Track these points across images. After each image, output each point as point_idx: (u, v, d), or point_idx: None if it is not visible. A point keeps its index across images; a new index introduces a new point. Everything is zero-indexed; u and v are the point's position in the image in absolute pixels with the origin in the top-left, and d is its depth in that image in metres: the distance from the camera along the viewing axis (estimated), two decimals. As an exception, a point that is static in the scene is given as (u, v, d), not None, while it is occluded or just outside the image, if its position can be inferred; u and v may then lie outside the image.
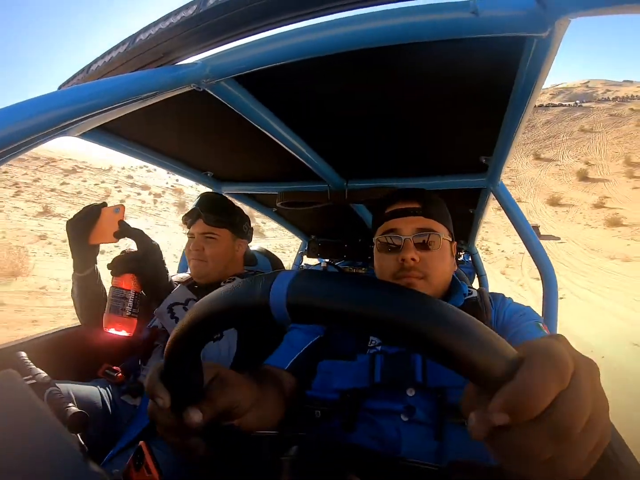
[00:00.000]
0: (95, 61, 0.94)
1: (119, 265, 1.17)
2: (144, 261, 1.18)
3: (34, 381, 0.82)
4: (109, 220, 1.17)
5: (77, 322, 1.62)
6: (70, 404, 0.71)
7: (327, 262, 3.39)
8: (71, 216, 1.23)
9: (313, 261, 3.68)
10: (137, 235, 1.17)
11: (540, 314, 1.39)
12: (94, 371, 1.40)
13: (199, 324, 0.46)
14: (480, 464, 0.53)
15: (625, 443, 0.88)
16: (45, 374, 0.86)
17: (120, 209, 1.16)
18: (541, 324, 0.96)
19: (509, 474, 0.38)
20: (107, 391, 1.35)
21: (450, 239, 1.12)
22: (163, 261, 1.26)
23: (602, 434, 0.36)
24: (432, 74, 1.03)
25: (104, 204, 1.22)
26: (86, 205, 1.22)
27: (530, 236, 1.80)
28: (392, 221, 1.08)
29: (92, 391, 1.29)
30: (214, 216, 1.52)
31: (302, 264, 3.58)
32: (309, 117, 1.35)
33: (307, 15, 0.76)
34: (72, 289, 1.37)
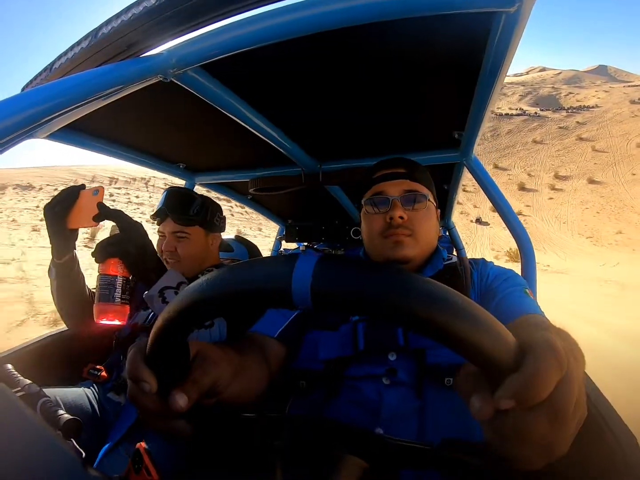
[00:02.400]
0: (58, 58, 0.90)
1: (101, 251, 1.09)
2: (126, 243, 1.10)
3: (23, 392, 0.80)
4: (87, 204, 1.09)
5: (60, 328, 1.60)
6: (62, 412, 0.71)
7: (305, 245, 3.40)
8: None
9: (292, 246, 3.69)
10: (117, 216, 1.09)
11: None
12: (80, 373, 1.38)
13: (203, 304, 0.44)
14: (468, 442, 0.55)
15: (611, 406, 0.92)
16: (34, 384, 0.85)
17: (99, 190, 1.08)
18: (527, 290, 0.99)
19: (497, 452, 0.42)
20: (92, 392, 1.34)
21: (435, 205, 1.15)
22: (149, 241, 1.17)
23: (583, 410, 0.42)
24: (401, 52, 1.02)
25: (83, 186, 1.13)
26: (64, 188, 1.14)
27: (505, 208, 1.82)
28: (379, 185, 1.10)
29: (78, 395, 1.27)
30: (182, 214, 1.48)
31: (281, 249, 3.59)
32: (279, 101, 1.33)
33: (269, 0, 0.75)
34: (50, 281, 1.31)
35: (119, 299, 1.09)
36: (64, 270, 1.26)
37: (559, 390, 0.38)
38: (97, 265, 1.11)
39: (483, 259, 1.17)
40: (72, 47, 0.87)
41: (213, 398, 0.59)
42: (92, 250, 1.09)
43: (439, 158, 1.83)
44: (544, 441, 0.39)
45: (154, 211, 1.51)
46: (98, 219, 1.06)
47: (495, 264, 1.14)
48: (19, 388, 0.82)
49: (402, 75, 1.15)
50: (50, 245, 1.20)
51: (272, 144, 1.58)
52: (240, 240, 2.16)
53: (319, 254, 0.42)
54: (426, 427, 0.82)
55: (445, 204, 2.89)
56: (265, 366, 0.84)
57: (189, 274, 1.48)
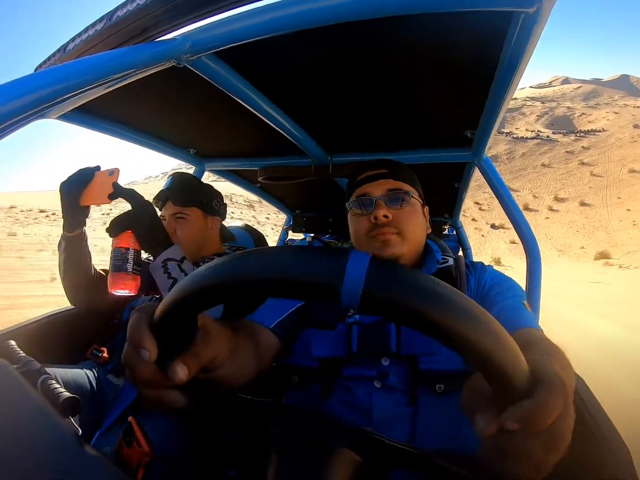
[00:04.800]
0: (72, 40, 0.90)
1: (115, 225, 1.18)
2: (138, 218, 1.19)
3: (25, 369, 0.81)
4: (102, 183, 1.17)
5: (63, 307, 1.61)
6: (62, 390, 0.71)
7: (312, 236, 3.40)
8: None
9: (298, 236, 3.69)
10: (130, 194, 1.18)
11: (524, 287, 1.42)
12: (82, 353, 1.40)
13: (234, 285, 0.42)
14: (459, 453, 0.56)
15: (607, 415, 0.92)
16: (36, 362, 0.86)
17: (114, 172, 1.16)
18: (525, 302, 0.98)
19: (489, 465, 0.45)
20: (93, 372, 1.36)
21: (421, 201, 1.14)
22: (159, 218, 1.26)
23: (570, 435, 0.44)
24: (418, 48, 1.02)
25: (98, 167, 1.22)
26: (81, 168, 1.22)
27: (514, 210, 1.81)
28: (362, 187, 1.11)
29: (78, 374, 1.30)
30: (181, 195, 1.52)
31: (287, 239, 3.59)
32: (292, 91, 1.33)
33: None
34: (59, 254, 1.37)
35: (131, 270, 1.16)
36: (73, 244, 1.32)
37: (560, 421, 0.41)
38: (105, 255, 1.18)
39: (481, 262, 1.16)
40: (86, 29, 0.87)
41: (208, 373, 0.58)
42: (107, 227, 1.18)
43: (450, 156, 1.82)
44: (537, 462, 0.43)
45: (155, 195, 1.56)
46: (113, 196, 1.13)
47: (494, 268, 1.13)
48: (21, 364, 0.83)
49: (417, 71, 1.14)
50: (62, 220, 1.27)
51: (283, 133, 1.58)
52: (247, 229, 2.16)
53: (367, 253, 0.40)
54: (417, 433, 0.83)
55: (454, 203, 2.87)
56: (255, 354, 0.82)
57: (190, 258, 1.49)
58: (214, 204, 1.62)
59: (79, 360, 1.39)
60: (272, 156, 2.07)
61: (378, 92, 1.31)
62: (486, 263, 1.14)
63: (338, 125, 1.64)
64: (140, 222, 1.18)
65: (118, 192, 1.14)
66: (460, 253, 3.84)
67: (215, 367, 0.58)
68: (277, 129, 1.53)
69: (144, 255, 1.27)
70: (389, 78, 1.20)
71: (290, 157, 2.02)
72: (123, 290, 1.15)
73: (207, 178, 2.16)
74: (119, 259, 1.15)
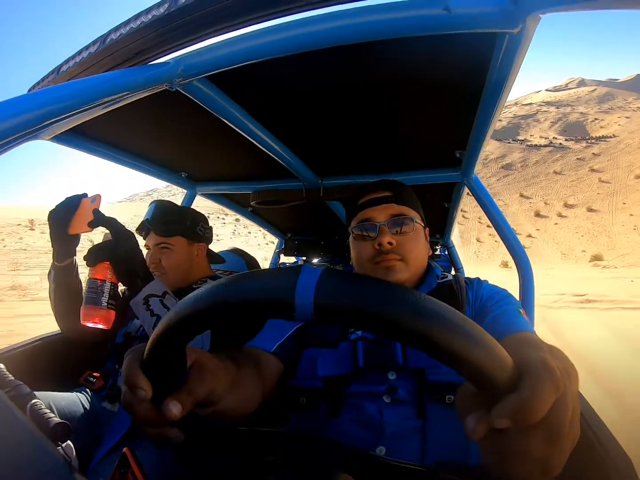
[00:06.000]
0: (65, 62, 0.91)
1: (92, 255, 1.13)
2: (117, 248, 1.13)
3: (14, 393, 0.79)
4: (86, 210, 1.13)
5: (53, 332, 1.59)
6: (52, 415, 0.70)
7: (304, 260, 3.40)
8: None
9: (290, 259, 3.68)
10: (111, 223, 1.13)
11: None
12: (74, 379, 1.37)
13: (203, 313, 0.43)
14: (464, 464, 0.55)
15: (604, 425, 0.91)
16: (25, 386, 0.84)
17: (96, 198, 1.13)
18: (520, 310, 0.98)
19: (493, 471, 0.42)
20: (87, 399, 1.32)
21: (423, 225, 1.14)
22: (139, 250, 1.20)
23: (577, 429, 0.42)
24: (405, 70, 1.04)
25: (85, 195, 1.18)
26: (68, 196, 1.18)
27: (504, 228, 1.83)
28: (365, 211, 1.10)
29: (71, 400, 1.26)
30: (163, 225, 1.48)
31: (279, 262, 3.58)
32: (283, 115, 1.34)
33: (278, 14, 0.76)
34: (49, 284, 1.33)
35: (106, 304, 1.11)
36: (63, 274, 1.29)
37: (555, 410, 0.38)
38: None
39: (478, 278, 1.16)
40: (80, 52, 0.88)
41: (207, 408, 0.58)
42: (84, 255, 1.13)
43: (440, 177, 1.84)
44: (539, 461, 0.39)
45: (137, 226, 1.52)
46: (92, 224, 1.10)
47: (489, 282, 1.14)
48: (9, 388, 0.81)
49: (405, 93, 1.17)
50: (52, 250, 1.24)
51: (274, 157, 1.59)
52: (239, 253, 2.15)
53: (322, 267, 0.41)
54: (428, 445, 0.81)
55: (445, 223, 2.89)
56: (259, 382, 0.81)
57: (179, 285, 1.48)
58: (198, 230, 1.58)
59: (71, 385, 1.35)
60: (264, 180, 2.08)
61: (367, 115, 1.33)
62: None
63: (328, 148, 1.66)
64: (119, 254, 1.13)
65: (98, 219, 1.10)
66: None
67: (215, 401, 0.59)
68: (268, 152, 1.54)
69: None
70: (377, 101, 1.22)
71: (281, 181, 2.03)
72: (95, 324, 1.11)
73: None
74: (93, 291, 1.11)
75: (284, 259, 3.58)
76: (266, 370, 0.88)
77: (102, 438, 1.17)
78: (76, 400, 1.28)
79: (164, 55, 0.86)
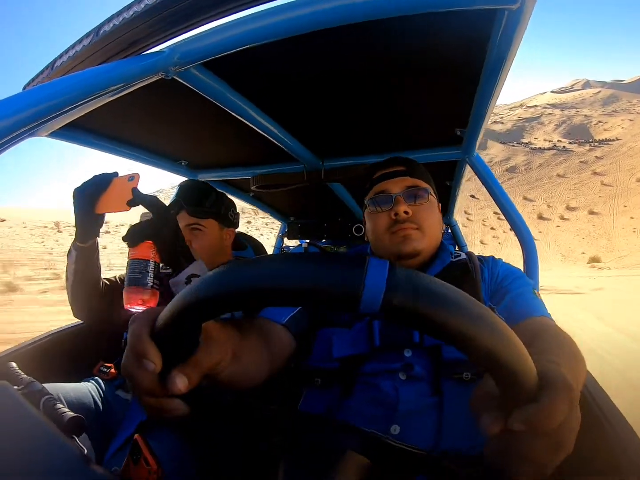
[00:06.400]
0: (59, 57, 0.90)
1: (135, 235, 1.08)
2: (161, 227, 1.09)
3: (27, 390, 0.81)
4: (121, 189, 1.08)
5: (64, 325, 1.60)
6: (66, 410, 0.71)
7: (307, 242, 3.40)
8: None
9: (294, 242, 3.69)
10: (153, 202, 1.09)
11: None
12: (84, 372, 1.38)
13: (247, 294, 0.40)
14: (469, 456, 0.56)
15: (612, 402, 0.92)
16: (37, 382, 0.85)
17: (135, 177, 1.07)
18: (536, 291, 1.00)
19: (493, 465, 0.46)
20: (97, 389, 1.33)
21: (436, 198, 1.16)
22: (179, 229, 1.17)
23: (576, 432, 0.44)
24: (404, 49, 1.02)
25: (116, 173, 1.12)
26: (97, 174, 1.13)
27: (507, 204, 1.82)
28: (381, 184, 1.12)
29: (81, 391, 1.26)
30: (198, 207, 1.45)
31: (283, 246, 3.58)
32: (280, 98, 1.33)
33: None
34: (68, 264, 1.28)
35: (151, 284, 1.07)
36: (85, 255, 1.25)
37: (566, 423, 0.41)
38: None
39: (492, 256, 1.16)
40: (73, 45, 0.87)
41: (210, 378, 0.56)
42: (124, 235, 1.09)
43: (441, 155, 1.83)
44: (540, 465, 0.43)
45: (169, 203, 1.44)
46: (132, 203, 1.04)
47: (504, 261, 1.14)
48: (22, 386, 0.82)
49: (405, 72, 1.15)
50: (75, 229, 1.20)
51: (274, 141, 1.58)
52: (245, 237, 2.15)
53: (386, 260, 0.39)
54: (444, 423, 0.82)
55: (447, 201, 2.88)
56: (267, 354, 0.79)
57: None
58: (229, 214, 1.57)
59: (80, 377, 1.35)
60: (264, 164, 2.07)
61: (366, 94, 1.32)
62: None
63: (328, 129, 1.65)
64: (163, 233, 1.09)
65: (138, 198, 1.04)
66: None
67: (217, 372, 0.56)
68: (268, 136, 1.53)
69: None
70: (376, 80, 1.21)
71: (282, 164, 2.02)
72: (141, 306, 1.05)
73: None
74: (137, 271, 1.05)
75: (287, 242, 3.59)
76: (275, 342, 0.87)
77: (117, 426, 1.18)
78: (86, 390, 1.29)
79: (158, 44, 0.85)
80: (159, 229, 1.09)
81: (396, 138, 1.74)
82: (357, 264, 0.38)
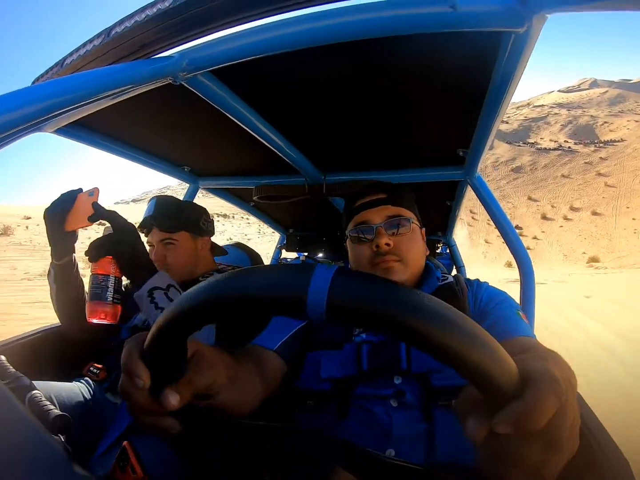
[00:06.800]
0: (70, 54, 0.91)
1: (94, 250, 1.10)
2: (120, 242, 1.11)
3: (14, 385, 0.80)
4: (84, 205, 1.10)
5: (54, 323, 1.59)
6: (52, 407, 0.70)
7: (305, 255, 3.40)
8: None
9: (292, 255, 3.69)
10: (112, 216, 1.11)
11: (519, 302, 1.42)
12: (75, 370, 1.37)
13: (212, 306, 0.43)
14: (464, 466, 0.55)
15: (604, 428, 0.91)
16: (26, 377, 0.84)
17: (94, 192, 1.09)
18: (520, 312, 0.99)
19: (488, 474, 0.43)
20: (89, 390, 1.32)
21: (420, 225, 1.15)
22: (141, 242, 1.18)
23: (576, 438, 0.43)
24: (410, 68, 1.03)
25: (80, 190, 1.14)
26: (63, 192, 1.15)
27: (507, 227, 1.82)
28: (362, 214, 1.10)
29: (72, 391, 1.26)
30: (167, 221, 1.46)
31: (281, 257, 3.58)
32: (286, 110, 1.34)
33: (284, 9, 0.76)
34: (49, 284, 1.31)
35: (111, 299, 1.10)
36: (63, 273, 1.27)
37: (555, 420, 0.39)
38: None
39: (477, 279, 1.16)
40: (84, 44, 0.88)
41: (205, 400, 0.58)
42: (85, 250, 1.10)
43: (442, 175, 1.84)
44: (535, 467, 0.40)
45: (139, 222, 1.48)
46: (92, 218, 1.06)
47: (489, 284, 1.14)
48: (10, 380, 0.81)
49: (410, 91, 1.16)
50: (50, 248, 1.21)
51: (277, 152, 1.59)
52: (241, 247, 2.15)
53: (335, 265, 0.41)
54: (436, 448, 0.81)
55: (447, 221, 2.89)
56: (261, 381, 0.81)
57: (183, 279, 1.46)
58: (201, 224, 1.57)
59: (70, 376, 1.34)
60: (266, 175, 2.08)
61: (371, 111, 1.32)
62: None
63: (331, 144, 1.66)
64: (122, 247, 1.11)
65: (98, 213, 1.07)
66: (454, 272, 3.85)
67: (214, 394, 0.59)
68: (271, 147, 1.54)
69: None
70: (381, 98, 1.22)
71: (284, 176, 2.03)
72: (102, 320, 1.09)
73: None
74: (97, 286, 1.09)
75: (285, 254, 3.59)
76: (269, 369, 0.88)
77: (105, 428, 1.17)
78: (77, 391, 1.28)
79: (168, 49, 0.86)
80: (118, 244, 1.11)
81: (399, 155, 1.75)
82: (304, 271, 0.40)
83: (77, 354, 1.47)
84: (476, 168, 1.68)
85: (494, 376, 0.38)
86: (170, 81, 0.94)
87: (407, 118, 1.37)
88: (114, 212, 1.12)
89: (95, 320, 1.09)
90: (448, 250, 3.99)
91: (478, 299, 1.06)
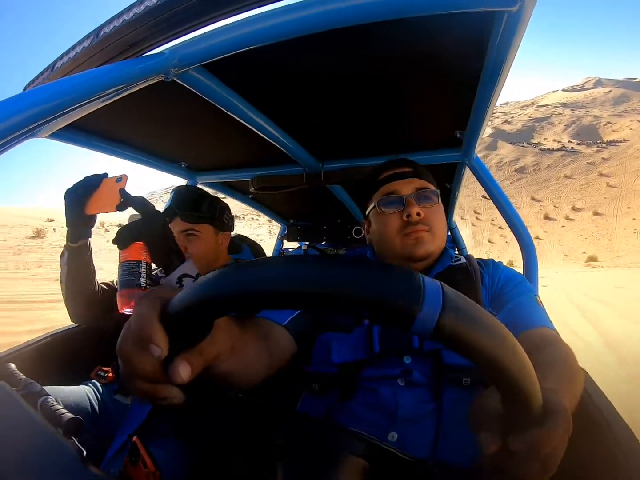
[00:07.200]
0: (59, 58, 0.90)
1: (125, 236, 1.07)
2: (149, 227, 1.09)
3: (25, 391, 0.80)
4: (110, 190, 1.09)
5: (61, 327, 1.60)
6: (64, 411, 0.71)
7: (307, 244, 3.40)
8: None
9: (293, 245, 3.69)
10: (139, 202, 1.08)
11: None
12: (83, 374, 1.38)
13: (293, 294, 0.37)
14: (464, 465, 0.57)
15: (613, 407, 0.92)
16: (36, 383, 0.85)
17: (122, 178, 1.07)
18: (537, 298, 0.99)
19: (487, 478, 0.48)
20: (95, 392, 1.33)
21: (441, 201, 1.15)
22: (169, 228, 1.16)
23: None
24: (403, 51, 1.02)
25: (106, 174, 1.13)
26: (87, 175, 1.14)
27: (507, 208, 1.82)
28: (389, 185, 1.11)
29: (80, 394, 1.27)
30: (192, 213, 1.46)
31: (282, 248, 3.59)
32: (280, 100, 1.33)
33: None
34: (61, 266, 1.29)
35: (144, 284, 1.06)
36: (77, 255, 1.26)
37: (556, 450, 0.44)
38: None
39: (492, 259, 1.17)
40: (73, 47, 0.87)
41: (209, 370, 0.52)
42: (113, 237, 1.08)
43: (441, 157, 1.83)
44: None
45: (163, 210, 1.43)
46: (121, 206, 1.05)
47: (504, 264, 1.13)
48: (21, 387, 0.82)
49: (404, 75, 1.15)
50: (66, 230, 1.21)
51: (273, 143, 1.58)
52: (242, 239, 2.14)
53: (437, 281, 0.38)
54: (442, 429, 0.81)
55: (447, 203, 2.89)
56: (265, 352, 0.77)
57: (201, 274, 1.44)
58: (224, 218, 1.57)
59: (78, 380, 1.36)
60: (264, 166, 2.07)
61: (366, 97, 1.32)
62: (505, 264, 1.15)
63: (327, 132, 1.65)
64: (152, 232, 1.09)
65: (126, 199, 1.05)
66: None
67: (216, 364, 0.53)
68: (267, 138, 1.53)
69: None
70: (376, 82, 1.21)
71: (281, 167, 2.02)
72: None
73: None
74: (129, 273, 1.04)
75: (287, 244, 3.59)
76: (276, 343, 0.85)
77: (114, 430, 1.18)
78: (84, 394, 1.29)
79: (158, 46, 0.85)
80: (147, 230, 1.08)
81: (396, 140, 1.74)
82: (413, 280, 0.36)
83: (85, 357, 1.48)
84: (474, 149, 1.67)
85: (529, 402, 0.41)
86: (163, 78, 0.93)
87: (402, 102, 1.37)
88: (141, 198, 1.10)
89: (127, 311, 1.05)
90: (449, 233, 3.99)
91: (495, 281, 1.06)
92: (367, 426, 0.82)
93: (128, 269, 1.05)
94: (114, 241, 1.08)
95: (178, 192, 1.50)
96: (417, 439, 0.80)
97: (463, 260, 1.14)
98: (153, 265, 1.14)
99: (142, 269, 1.06)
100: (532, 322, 0.89)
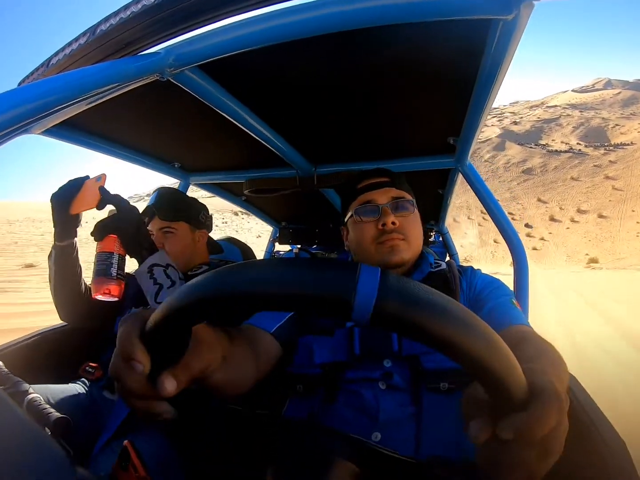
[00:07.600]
0: (55, 54, 0.89)
1: (99, 229, 1.17)
2: (123, 221, 1.18)
3: (13, 389, 0.80)
4: (90, 189, 1.18)
5: (51, 325, 1.59)
6: (52, 410, 0.70)
7: (299, 248, 3.40)
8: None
9: (285, 247, 3.69)
10: (116, 199, 1.18)
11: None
12: (72, 371, 1.37)
13: (237, 296, 0.39)
14: (459, 462, 0.56)
15: (601, 411, 0.93)
16: (24, 382, 0.84)
17: (102, 177, 1.17)
18: (514, 300, 1.00)
19: (483, 473, 0.46)
20: (85, 389, 1.34)
21: (417, 210, 1.17)
22: (143, 223, 1.25)
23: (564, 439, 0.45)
24: (398, 57, 1.03)
25: (87, 177, 1.22)
26: (71, 179, 1.23)
27: (499, 215, 1.82)
28: (366, 194, 1.12)
29: (69, 392, 1.27)
30: (168, 210, 1.53)
31: (274, 250, 3.58)
32: (275, 103, 1.33)
33: (269, 1, 0.75)
34: (49, 266, 1.36)
35: (115, 274, 1.15)
36: (64, 254, 1.32)
37: (554, 432, 0.41)
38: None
39: (471, 266, 1.18)
40: (69, 44, 0.87)
41: (198, 382, 0.55)
42: (91, 230, 1.18)
43: (434, 163, 1.84)
44: (529, 472, 0.43)
45: (142, 210, 1.52)
46: (100, 205, 1.14)
47: (482, 272, 1.16)
48: (8, 385, 0.81)
49: (398, 80, 1.16)
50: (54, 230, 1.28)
51: (267, 145, 1.58)
52: (233, 241, 2.14)
53: (378, 267, 0.38)
54: (422, 432, 0.83)
55: (439, 209, 2.90)
56: (253, 361, 0.79)
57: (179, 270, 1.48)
58: (200, 217, 1.62)
59: (68, 377, 1.36)
60: (257, 168, 2.07)
61: (360, 102, 1.32)
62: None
63: (321, 136, 1.65)
64: (125, 226, 1.18)
65: (104, 196, 1.14)
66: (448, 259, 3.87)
67: (207, 376, 0.56)
68: (261, 141, 1.53)
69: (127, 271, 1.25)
70: (370, 88, 1.22)
71: (274, 169, 2.02)
72: (107, 295, 1.13)
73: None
74: (102, 263, 1.14)
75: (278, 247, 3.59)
76: (263, 350, 0.87)
77: (102, 427, 1.18)
78: (74, 391, 1.29)
79: (154, 45, 0.85)
80: (121, 223, 1.18)
81: (389, 145, 1.75)
82: (348, 270, 0.38)
83: (73, 355, 1.47)
84: (467, 156, 1.68)
85: (509, 386, 0.39)
86: (158, 77, 0.93)
87: (396, 108, 1.37)
88: (118, 195, 1.19)
89: (99, 296, 1.14)
90: (441, 239, 4.01)
91: (472, 286, 1.08)
92: (350, 426, 0.83)
93: (101, 259, 1.15)
94: (91, 233, 1.19)
95: (158, 193, 1.58)
96: (399, 440, 0.82)
97: (443, 266, 1.16)
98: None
99: (114, 260, 1.16)
100: (509, 320, 0.90)
